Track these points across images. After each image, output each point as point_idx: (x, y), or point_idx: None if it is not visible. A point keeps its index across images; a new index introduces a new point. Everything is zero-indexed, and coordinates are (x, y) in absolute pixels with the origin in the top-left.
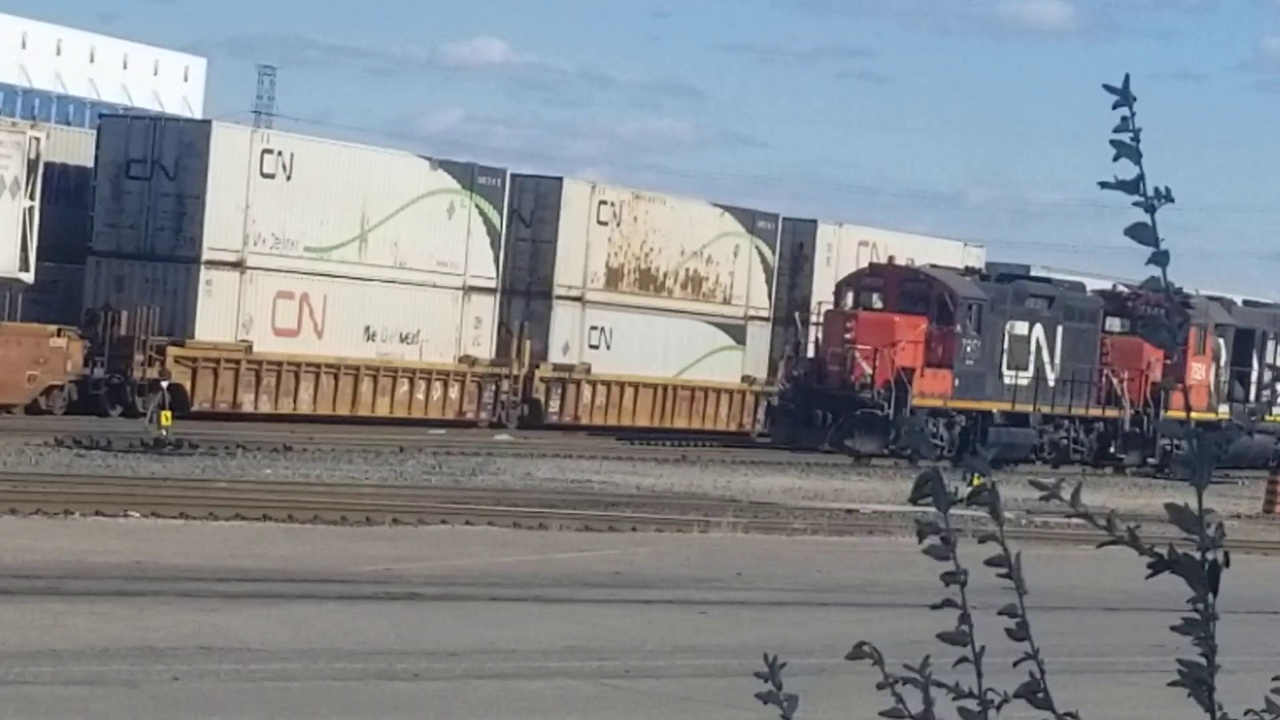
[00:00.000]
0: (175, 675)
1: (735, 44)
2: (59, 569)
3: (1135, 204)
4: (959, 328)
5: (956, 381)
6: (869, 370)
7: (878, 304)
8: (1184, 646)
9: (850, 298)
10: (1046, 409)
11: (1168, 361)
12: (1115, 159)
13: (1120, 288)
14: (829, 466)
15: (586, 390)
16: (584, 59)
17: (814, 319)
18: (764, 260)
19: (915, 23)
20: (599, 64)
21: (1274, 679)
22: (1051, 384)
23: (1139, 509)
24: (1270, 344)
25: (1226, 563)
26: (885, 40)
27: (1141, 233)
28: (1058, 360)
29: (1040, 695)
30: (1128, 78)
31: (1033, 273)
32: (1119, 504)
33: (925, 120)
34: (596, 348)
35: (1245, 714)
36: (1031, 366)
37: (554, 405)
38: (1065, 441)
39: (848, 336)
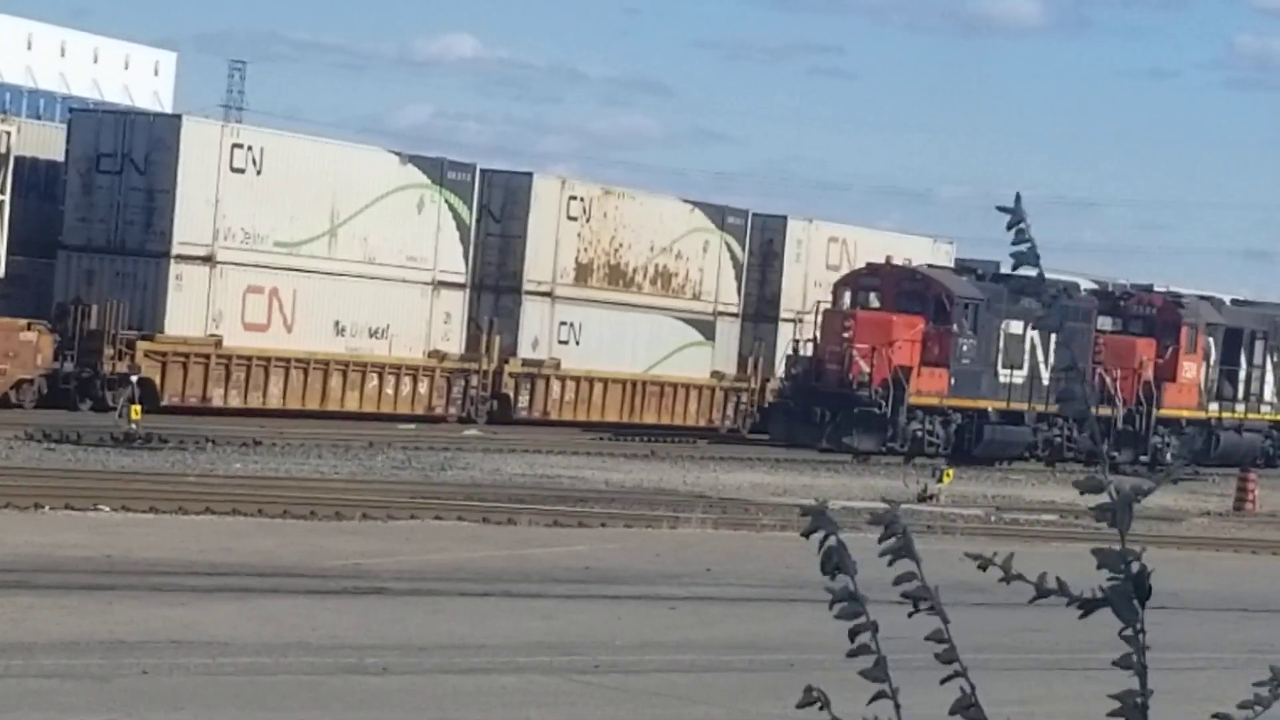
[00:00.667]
0: (145, 669)
1: (705, 40)
2: (29, 562)
3: (1042, 302)
4: (955, 327)
5: (953, 380)
6: (867, 369)
7: (875, 303)
8: (1163, 639)
9: (848, 297)
10: (1041, 407)
11: (1159, 360)
12: (1015, 268)
13: (1112, 287)
14: (798, 462)
15: (556, 386)
16: (554, 55)
17: (810, 318)
18: (734, 256)
19: (886, 19)
20: (569, 60)
21: (1254, 685)
22: (1045, 382)
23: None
24: (1259, 344)
25: (1148, 594)
26: (856, 37)
27: (1046, 323)
28: (1051, 359)
29: (971, 709)
30: (1018, 196)
31: (1002, 269)
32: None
33: (895, 116)
34: (566, 343)
35: (1212, 717)
36: (1026, 365)
37: (523, 400)
38: (1059, 439)
39: (846, 335)
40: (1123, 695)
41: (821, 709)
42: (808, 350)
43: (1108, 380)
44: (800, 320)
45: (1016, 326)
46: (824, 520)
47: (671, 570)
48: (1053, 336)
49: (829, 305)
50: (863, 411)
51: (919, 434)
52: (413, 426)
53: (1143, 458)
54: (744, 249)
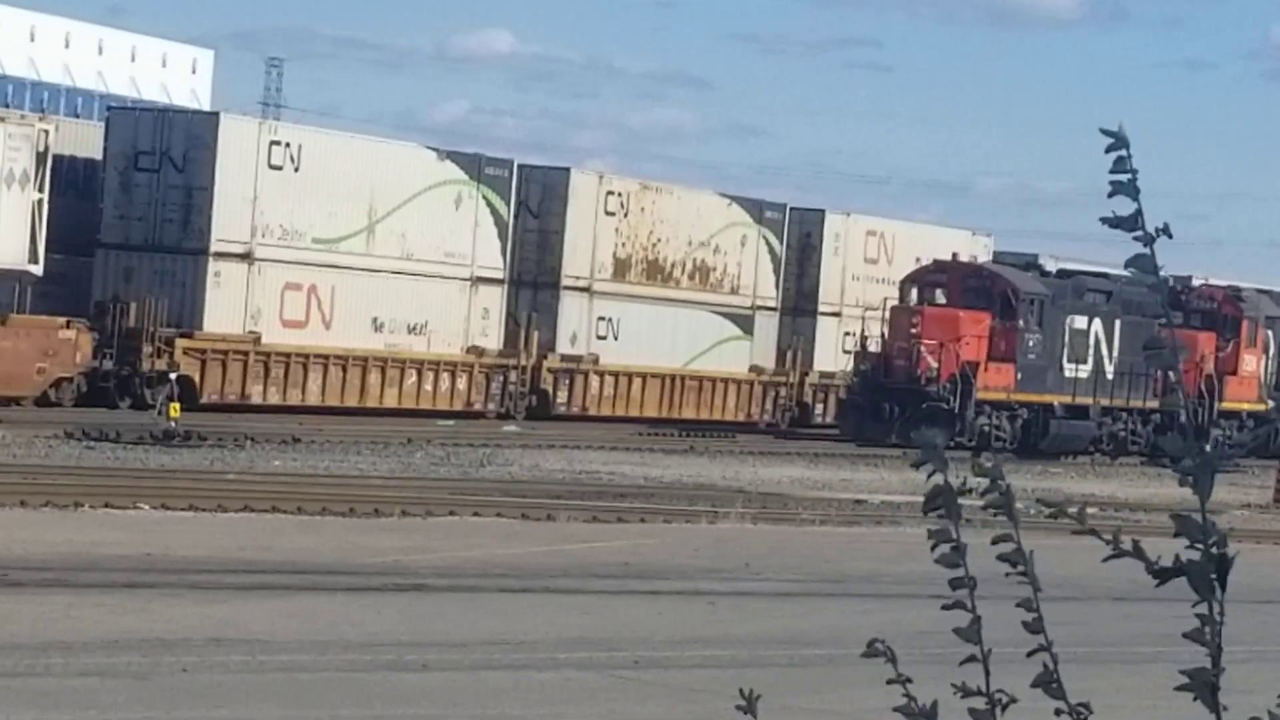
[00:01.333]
0: (184, 667)
1: (742, 34)
2: (68, 561)
3: (1135, 238)
4: (1021, 322)
5: (1019, 375)
6: (935, 364)
7: (941, 300)
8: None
9: (915, 294)
10: (1105, 401)
11: (1220, 354)
12: (1111, 195)
13: (1196, 283)
14: (837, 457)
15: (594, 381)
16: (590, 50)
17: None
18: (771, 250)
19: (921, 12)
20: (606, 55)
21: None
22: (1110, 377)
23: (1149, 498)
24: None
25: (1226, 571)
26: (892, 30)
27: (1143, 263)
28: (1115, 353)
29: (1054, 686)
30: (1122, 124)
31: (1040, 261)
32: (1130, 493)
33: (932, 109)
34: (604, 338)
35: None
36: (1091, 360)
37: (562, 396)
38: (1123, 433)
39: (913, 331)
40: (1194, 672)
41: (887, 662)
42: (876, 347)
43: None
44: (865, 316)
45: (1081, 321)
46: (935, 456)
47: (711, 565)
48: (1116, 330)
49: (896, 302)
50: (931, 406)
51: (986, 428)
52: (451, 423)
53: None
54: (782, 243)
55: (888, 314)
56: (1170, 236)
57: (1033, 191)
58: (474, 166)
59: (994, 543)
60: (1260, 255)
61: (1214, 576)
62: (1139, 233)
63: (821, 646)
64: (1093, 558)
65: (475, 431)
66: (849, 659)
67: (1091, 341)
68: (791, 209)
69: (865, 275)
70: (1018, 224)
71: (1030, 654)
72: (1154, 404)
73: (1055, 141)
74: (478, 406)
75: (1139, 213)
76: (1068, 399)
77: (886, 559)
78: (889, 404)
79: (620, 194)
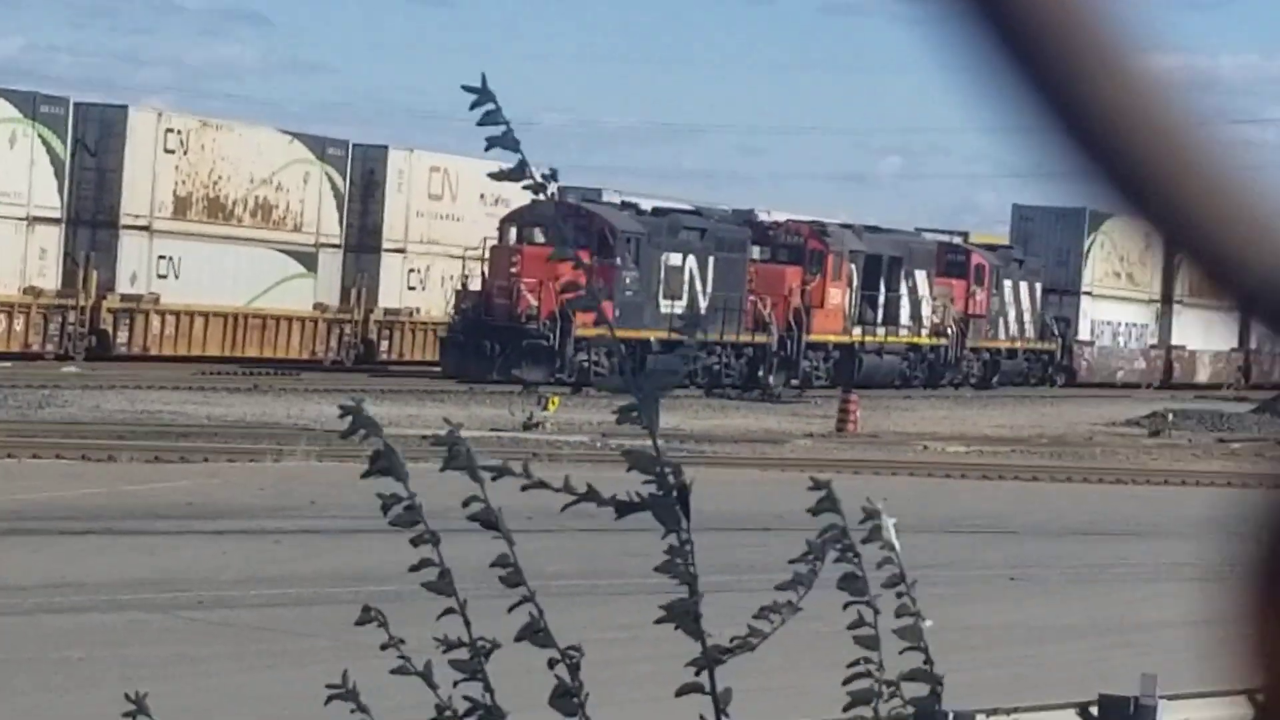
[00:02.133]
0: None
1: None
2: None
3: (525, 188)
4: (619, 260)
5: (618, 312)
6: (535, 303)
7: (540, 239)
8: (764, 560)
9: (514, 233)
10: (701, 336)
11: (805, 287)
12: (488, 149)
13: (760, 216)
14: (403, 394)
15: (155, 320)
16: None
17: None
18: (335, 187)
19: None
20: None
21: (776, 588)
22: (704, 312)
23: (712, 429)
24: (896, 270)
25: (685, 499)
26: None
27: (543, 209)
28: (710, 289)
29: (539, 634)
30: (484, 77)
31: (604, 196)
32: (695, 425)
33: (496, 44)
34: (165, 277)
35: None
36: (686, 296)
37: (122, 336)
38: (718, 367)
39: (513, 271)
40: (673, 604)
41: (379, 627)
42: (476, 285)
43: (761, 308)
44: (466, 256)
45: (676, 259)
46: (366, 420)
47: (276, 504)
48: (710, 267)
49: (495, 242)
50: (531, 344)
51: (585, 364)
52: (8, 365)
53: (794, 381)
54: (345, 180)
55: (488, 254)
56: (556, 180)
57: (595, 126)
58: (28, 104)
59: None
60: (821, 188)
61: (677, 506)
62: (528, 182)
63: (389, 582)
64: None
65: (33, 373)
66: (417, 593)
67: (686, 278)
68: (354, 145)
69: (430, 212)
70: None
71: (511, 609)
72: (746, 338)
73: (617, 76)
74: (35, 347)
75: (524, 163)
76: (664, 334)
77: (456, 493)
78: (490, 342)
79: (180, 131)
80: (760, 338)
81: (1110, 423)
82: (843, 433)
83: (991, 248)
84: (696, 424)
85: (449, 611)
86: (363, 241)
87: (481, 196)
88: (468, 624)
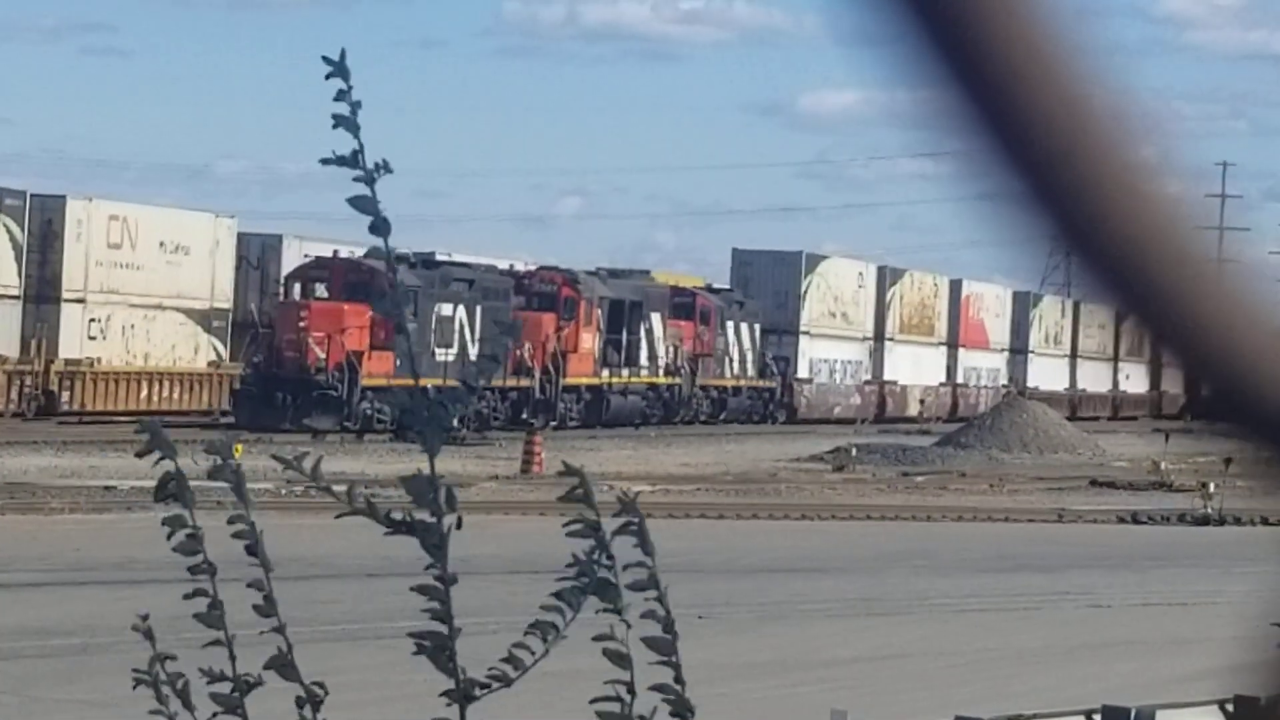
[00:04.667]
0: None
1: None
2: None
3: (356, 178)
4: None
5: (398, 362)
6: (322, 354)
7: (323, 294)
8: (455, 605)
9: (298, 289)
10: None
11: (560, 333)
12: (335, 128)
13: (518, 266)
14: (86, 444)
15: None
16: None
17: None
18: (12, 237)
19: None
20: None
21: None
22: (473, 359)
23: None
24: (634, 313)
25: (459, 525)
26: (127, 15)
27: (363, 204)
28: (477, 337)
29: (287, 668)
30: (344, 51)
31: (284, 242)
32: (380, 470)
33: (172, 92)
34: None
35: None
36: (456, 344)
37: None
38: (486, 410)
39: (302, 325)
40: (427, 635)
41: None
42: (265, 339)
43: (525, 354)
44: (253, 315)
45: (447, 309)
46: (161, 441)
47: None
48: (478, 315)
49: (281, 299)
50: (321, 394)
51: (369, 412)
52: None
53: (553, 422)
54: (23, 230)
55: (276, 310)
56: (391, 171)
57: (274, 172)
58: None
59: (229, 522)
60: (501, 229)
61: (444, 534)
62: (359, 171)
63: (74, 635)
64: (348, 536)
65: None
66: (101, 646)
67: (456, 327)
68: (32, 195)
69: (109, 261)
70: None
71: (263, 633)
72: (512, 382)
73: (295, 122)
74: None
75: (360, 150)
76: (439, 382)
77: (139, 544)
78: (281, 392)
79: None
80: (524, 381)
81: (795, 459)
82: (528, 474)
83: (714, 290)
84: (381, 469)
85: (215, 643)
86: (42, 291)
87: (161, 244)
88: (233, 658)
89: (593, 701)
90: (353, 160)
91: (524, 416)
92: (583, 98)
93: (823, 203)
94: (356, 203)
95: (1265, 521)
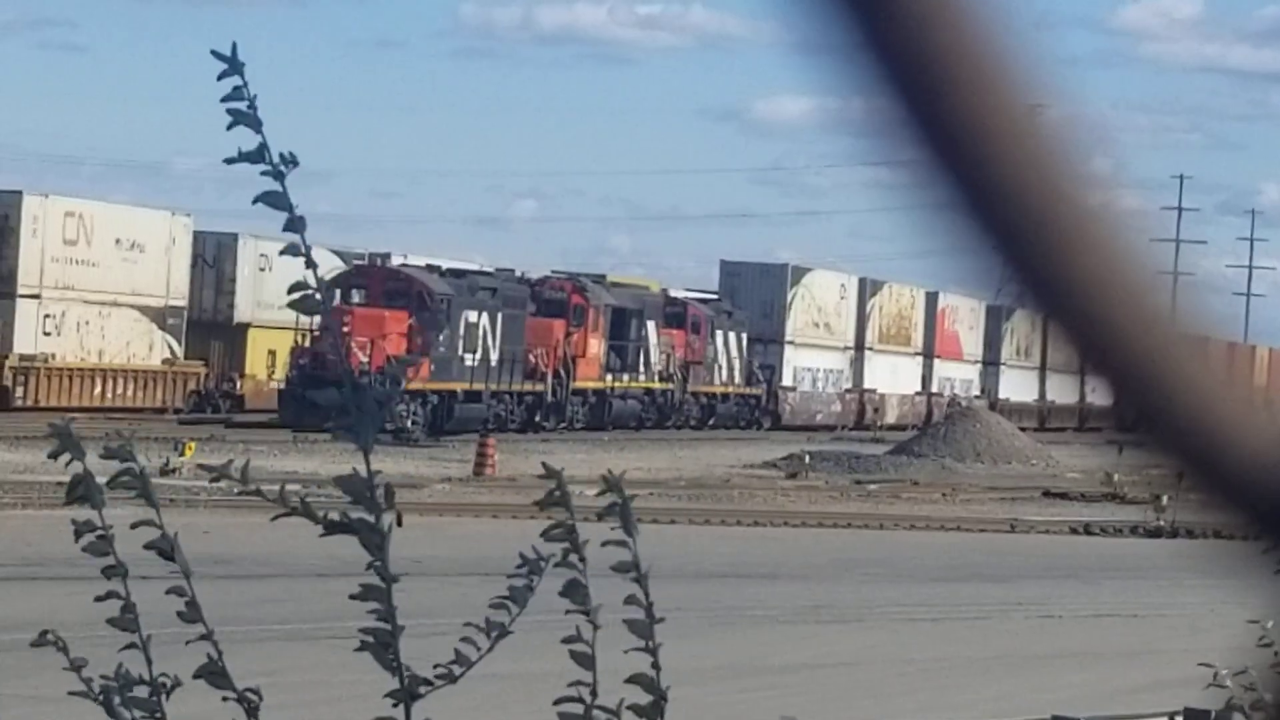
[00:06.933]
0: None
1: None
2: None
3: (264, 173)
4: (434, 319)
5: (432, 366)
6: (365, 358)
7: (358, 300)
8: (408, 606)
9: (336, 296)
10: (494, 386)
11: (569, 338)
12: (231, 127)
13: (395, 261)
14: (39, 440)
15: None
16: None
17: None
18: None
19: None
20: None
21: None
22: (494, 364)
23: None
24: (634, 320)
25: (399, 523)
26: (85, 10)
27: (274, 199)
28: (499, 343)
29: (217, 676)
30: (235, 46)
31: (240, 240)
32: (331, 469)
33: (129, 88)
34: None
35: (435, 668)
36: (480, 349)
37: None
38: (504, 413)
39: (345, 330)
40: (372, 631)
41: (59, 651)
42: (307, 343)
43: (536, 359)
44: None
45: (473, 316)
46: (70, 443)
47: None
48: (499, 322)
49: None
50: None
51: (404, 414)
52: None
53: (562, 425)
54: None
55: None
56: (297, 164)
57: (230, 170)
58: None
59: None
60: (456, 231)
61: (385, 533)
62: (267, 167)
63: (26, 630)
64: (300, 535)
65: None
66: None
67: (480, 334)
68: None
69: (65, 257)
70: (215, 204)
71: (189, 643)
72: (527, 386)
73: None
74: None
75: (264, 146)
76: (466, 385)
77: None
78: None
79: None
80: (538, 386)
81: (748, 465)
82: (481, 476)
83: (704, 300)
84: (334, 468)
85: (130, 646)
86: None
87: (117, 241)
88: (149, 661)
89: (556, 703)
90: (258, 155)
91: (536, 419)
92: (539, 100)
93: (778, 209)
94: (267, 199)
95: (1218, 535)
